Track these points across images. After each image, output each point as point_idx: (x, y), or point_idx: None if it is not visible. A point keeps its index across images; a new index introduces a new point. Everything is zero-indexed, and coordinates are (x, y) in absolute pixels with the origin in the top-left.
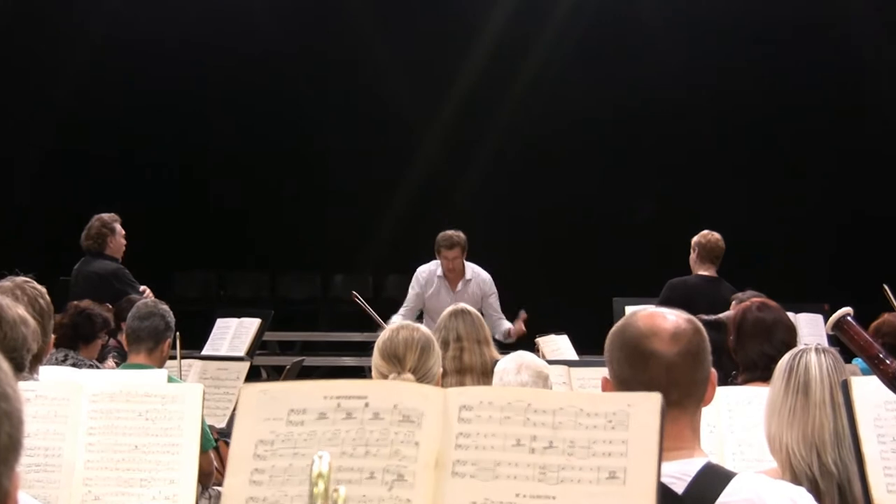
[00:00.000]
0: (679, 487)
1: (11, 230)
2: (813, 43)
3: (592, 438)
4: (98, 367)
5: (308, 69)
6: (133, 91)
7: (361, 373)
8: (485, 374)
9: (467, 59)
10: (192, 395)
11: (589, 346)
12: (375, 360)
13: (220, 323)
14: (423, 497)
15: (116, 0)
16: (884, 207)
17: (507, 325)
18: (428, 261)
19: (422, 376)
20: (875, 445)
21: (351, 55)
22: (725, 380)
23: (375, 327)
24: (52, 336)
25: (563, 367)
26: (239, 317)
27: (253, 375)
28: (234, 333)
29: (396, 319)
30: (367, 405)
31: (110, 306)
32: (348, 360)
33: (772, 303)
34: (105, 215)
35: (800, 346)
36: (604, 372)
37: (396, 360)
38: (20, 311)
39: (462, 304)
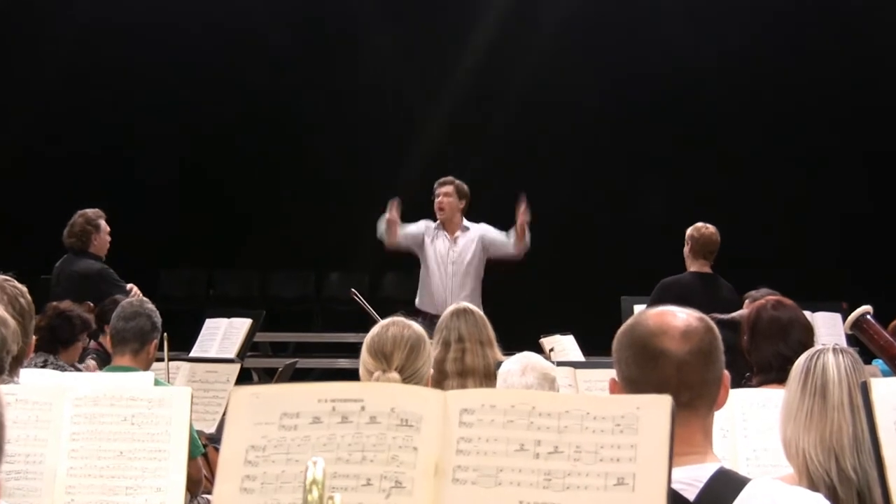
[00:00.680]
0: (690, 494)
1: None
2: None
3: (600, 443)
4: (80, 371)
5: (303, 64)
6: (118, 84)
7: (357, 375)
8: (488, 377)
9: (467, 58)
10: (180, 398)
11: (596, 347)
12: (363, 355)
13: (210, 323)
14: None
15: None
16: None
17: (512, 235)
18: None
19: (409, 376)
20: None
21: (349, 51)
22: (739, 381)
23: (373, 326)
24: (33, 337)
25: (569, 369)
26: (229, 317)
27: (244, 378)
28: (223, 334)
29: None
30: (363, 409)
31: (91, 305)
32: (344, 362)
33: (787, 301)
34: (89, 211)
35: (817, 347)
36: (611, 373)
37: (383, 357)
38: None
39: (464, 303)
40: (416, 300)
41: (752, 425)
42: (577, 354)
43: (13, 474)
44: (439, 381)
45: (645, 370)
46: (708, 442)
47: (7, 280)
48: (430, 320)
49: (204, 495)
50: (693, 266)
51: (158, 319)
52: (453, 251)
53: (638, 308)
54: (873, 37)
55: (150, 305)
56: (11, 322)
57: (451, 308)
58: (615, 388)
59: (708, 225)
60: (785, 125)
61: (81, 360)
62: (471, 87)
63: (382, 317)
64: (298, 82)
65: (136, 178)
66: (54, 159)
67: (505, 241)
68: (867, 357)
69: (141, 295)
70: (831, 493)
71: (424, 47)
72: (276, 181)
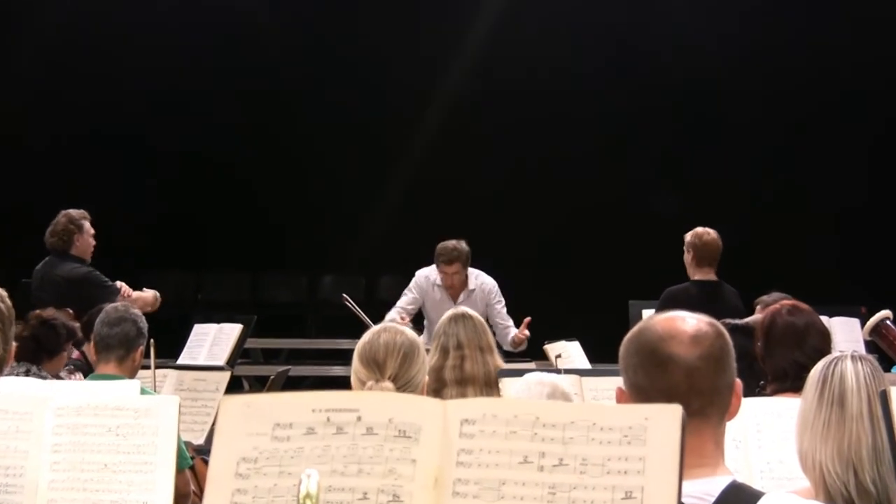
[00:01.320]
0: None
1: None
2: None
3: (607, 455)
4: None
5: (299, 64)
6: (103, 80)
7: None
8: (488, 385)
9: (467, 56)
10: (167, 408)
11: (602, 354)
12: (354, 364)
13: (198, 329)
14: None
15: None
16: None
17: (514, 332)
18: (426, 259)
19: (403, 385)
20: None
21: (347, 52)
22: (753, 390)
23: None
24: (14, 344)
25: (575, 377)
26: (218, 322)
27: (234, 387)
28: (212, 340)
29: (392, 316)
30: (359, 419)
31: (72, 311)
32: (338, 370)
33: (803, 306)
34: (73, 211)
35: (834, 354)
36: (618, 381)
37: (375, 366)
38: None
39: (463, 308)
40: (423, 337)
41: (767, 436)
42: (582, 362)
43: None
44: (438, 390)
45: (653, 377)
46: (720, 454)
47: None
48: None
49: None
50: (697, 274)
51: (144, 325)
52: None
53: (647, 313)
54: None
55: (136, 310)
56: None
57: (448, 313)
58: (622, 397)
59: (709, 230)
60: (799, 116)
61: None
62: (472, 86)
63: (376, 322)
64: (288, 82)
65: (117, 175)
66: (34, 156)
67: (504, 329)
68: (887, 364)
69: (132, 293)
70: None
71: (424, 48)
72: (267, 180)
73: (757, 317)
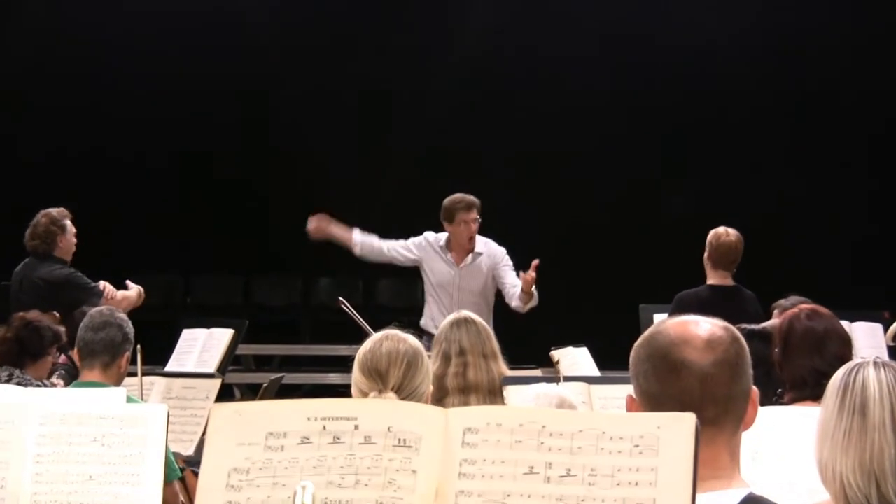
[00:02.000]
0: None
1: None
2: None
3: (617, 465)
4: (46, 388)
5: (292, 61)
6: (88, 77)
7: (349, 392)
8: (492, 393)
9: (467, 57)
10: (155, 417)
11: (612, 360)
12: (355, 375)
13: (187, 334)
14: None
15: None
16: None
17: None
18: None
19: (407, 396)
20: None
21: (341, 50)
22: (770, 399)
23: (365, 339)
24: None
25: (583, 385)
26: (208, 327)
27: (225, 395)
28: (202, 346)
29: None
30: (356, 428)
31: (57, 315)
32: (334, 377)
33: (823, 310)
34: (53, 210)
35: (856, 360)
36: (629, 389)
37: (378, 376)
38: None
39: (464, 312)
40: (422, 320)
41: (785, 447)
42: (591, 368)
43: None
44: (440, 399)
45: (665, 384)
46: (735, 464)
47: None
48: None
49: None
50: (713, 278)
51: (131, 330)
52: (460, 277)
53: (658, 317)
54: None
55: (122, 314)
56: None
57: (450, 318)
58: (633, 405)
59: (730, 231)
60: (815, 113)
61: (49, 377)
62: (472, 87)
63: (376, 329)
64: (285, 83)
65: (103, 176)
66: (15, 155)
67: (512, 288)
68: None
69: (115, 293)
70: None
71: (423, 50)
72: (260, 178)
73: (774, 322)
